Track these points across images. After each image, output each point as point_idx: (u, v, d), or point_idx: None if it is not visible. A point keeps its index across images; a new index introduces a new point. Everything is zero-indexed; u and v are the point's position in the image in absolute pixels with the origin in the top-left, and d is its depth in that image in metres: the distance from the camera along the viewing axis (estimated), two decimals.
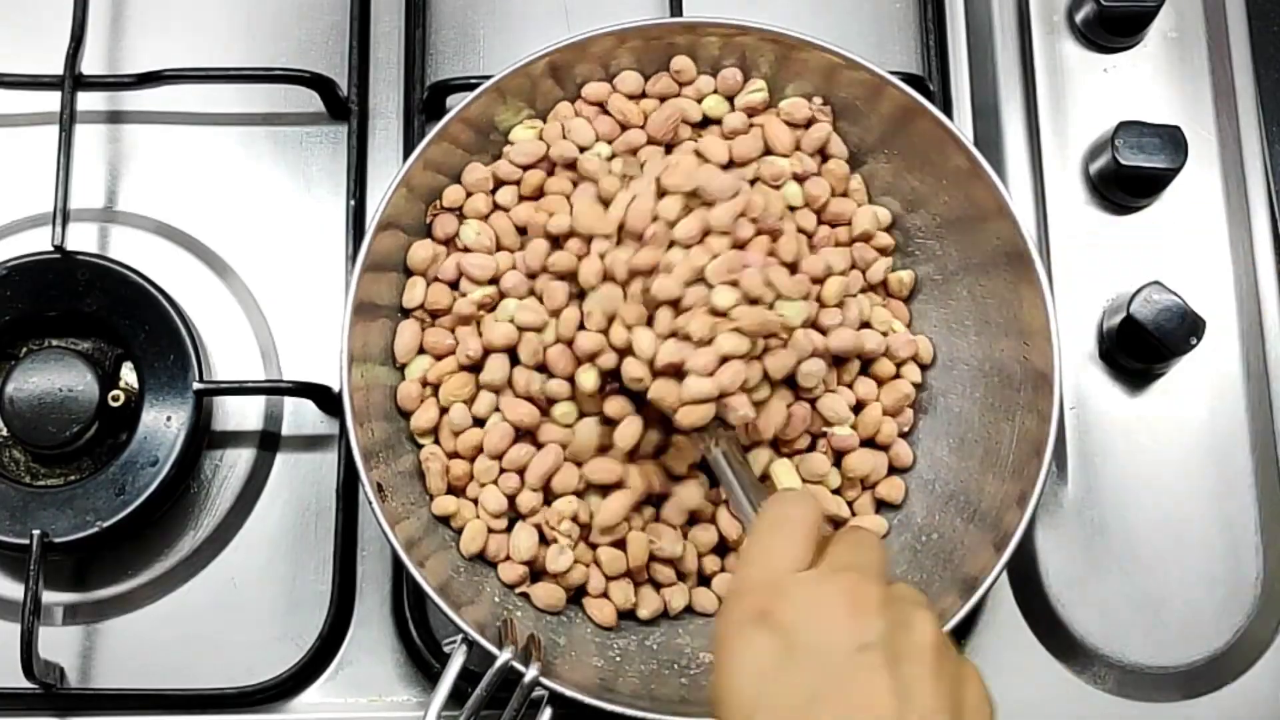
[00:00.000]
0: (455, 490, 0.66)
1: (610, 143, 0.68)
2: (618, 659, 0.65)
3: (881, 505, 0.68)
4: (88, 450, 0.69)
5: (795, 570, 0.50)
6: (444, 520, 0.66)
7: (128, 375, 0.70)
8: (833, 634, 0.47)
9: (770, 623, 0.48)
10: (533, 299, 0.66)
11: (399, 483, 0.64)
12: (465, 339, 0.66)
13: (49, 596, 0.69)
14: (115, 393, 0.69)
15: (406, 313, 0.67)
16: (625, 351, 0.61)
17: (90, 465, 0.69)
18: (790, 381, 0.65)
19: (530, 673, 0.59)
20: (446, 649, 0.64)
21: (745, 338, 0.60)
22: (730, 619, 0.49)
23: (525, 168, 0.68)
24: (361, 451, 0.61)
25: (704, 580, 0.67)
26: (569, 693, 0.59)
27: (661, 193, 0.62)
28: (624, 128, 0.68)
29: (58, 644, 0.68)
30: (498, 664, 0.59)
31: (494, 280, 0.67)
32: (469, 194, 0.68)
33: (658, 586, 0.66)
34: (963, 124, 0.77)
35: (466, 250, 0.67)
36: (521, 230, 0.68)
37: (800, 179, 0.68)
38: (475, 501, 0.66)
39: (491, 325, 0.66)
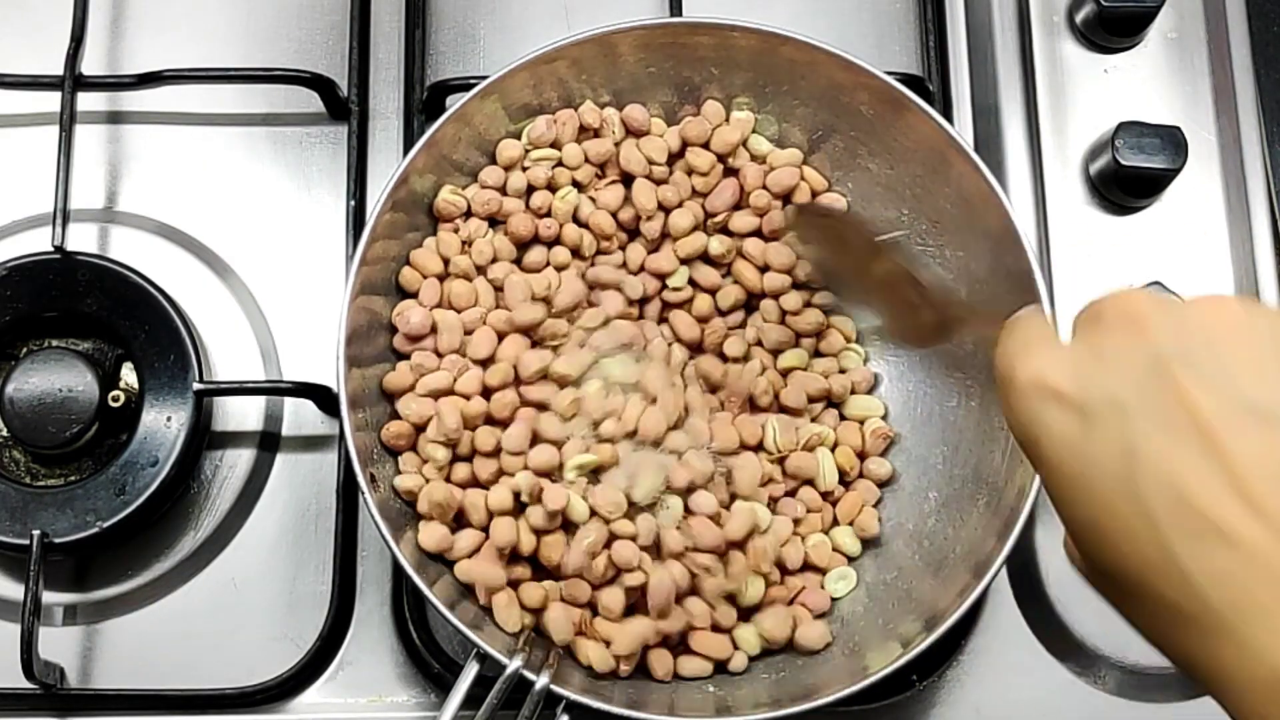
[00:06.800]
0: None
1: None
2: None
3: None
4: (88, 450, 0.69)
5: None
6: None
7: (128, 375, 0.70)
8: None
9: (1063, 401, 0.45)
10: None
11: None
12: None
13: (49, 597, 0.69)
14: (115, 393, 0.69)
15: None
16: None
17: (90, 465, 0.69)
18: None
19: (541, 680, 0.58)
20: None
21: None
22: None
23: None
24: (358, 451, 0.61)
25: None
26: (583, 700, 0.58)
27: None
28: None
29: (58, 644, 0.68)
30: (507, 672, 0.58)
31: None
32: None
33: None
34: (963, 124, 0.76)
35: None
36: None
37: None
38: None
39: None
